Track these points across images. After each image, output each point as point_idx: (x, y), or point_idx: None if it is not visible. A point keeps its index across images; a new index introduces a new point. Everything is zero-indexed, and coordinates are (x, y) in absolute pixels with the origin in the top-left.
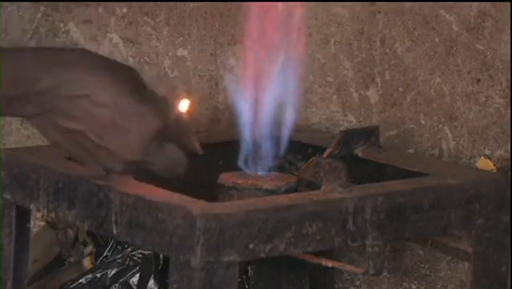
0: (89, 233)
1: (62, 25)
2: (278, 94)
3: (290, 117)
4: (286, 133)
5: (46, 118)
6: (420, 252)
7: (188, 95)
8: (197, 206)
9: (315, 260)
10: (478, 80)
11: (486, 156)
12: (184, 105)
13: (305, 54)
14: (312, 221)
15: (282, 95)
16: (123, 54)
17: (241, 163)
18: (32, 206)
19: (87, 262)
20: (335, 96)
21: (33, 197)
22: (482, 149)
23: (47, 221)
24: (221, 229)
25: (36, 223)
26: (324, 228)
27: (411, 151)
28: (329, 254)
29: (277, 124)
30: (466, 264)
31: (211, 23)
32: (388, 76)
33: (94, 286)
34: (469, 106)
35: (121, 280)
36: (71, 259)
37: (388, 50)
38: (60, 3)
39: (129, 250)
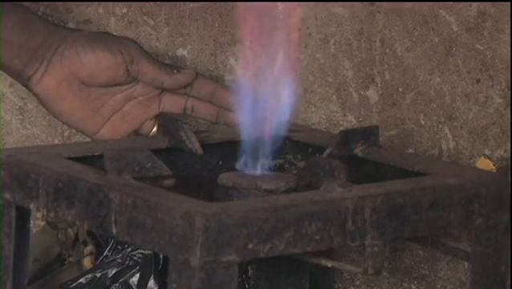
0: (89, 233)
1: (62, 25)
2: (277, 94)
3: (289, 117)
4: (285, 133)
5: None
6: (420, 252)
7: None
8: (197, 206)
9: (315, 260)
10: (478, 80)
11: (486, 156)
12: None
13: (304, 54)
14: (311, 221)
15: (282, 95)
16: None
17: (240, 163)
18: (32, 206)
19: (87, 262)
20: (334, 96)
21: (32, 197)
22: (482, 149)
23: (47, 221)
24: (221, 229)
25: (36, 223)
26: (323, 228)
27: (411, 151)
28: (328, 254)
29: (276, 123)
30: (466, 264)
31: (211, 23)
32: (387, 76)
33: (94, 286)
34: (468, 106)
35: (121, 280)
36: (71, 259)
37: (387, 50)
38: (60, 3)
39: (129, 249)
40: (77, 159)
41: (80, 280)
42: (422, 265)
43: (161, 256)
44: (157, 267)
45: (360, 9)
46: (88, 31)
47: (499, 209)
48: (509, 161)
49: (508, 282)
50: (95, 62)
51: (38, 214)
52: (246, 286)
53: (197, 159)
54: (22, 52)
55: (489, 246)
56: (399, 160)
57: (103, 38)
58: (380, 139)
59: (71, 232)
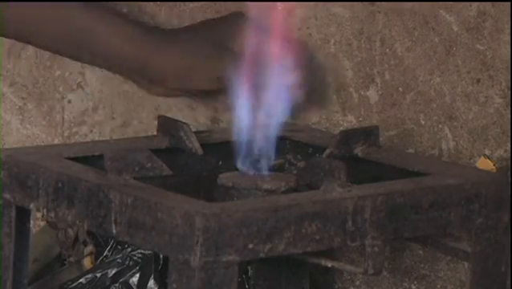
0: (89, 233)
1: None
2: (277, 94)
3: (288, 117)
4: (284, 133)
5: None
6: (420, 252)
7: None
8: (197, 206)
9: (315, 260)
10: (478, 80)
11: (486, 156)
12: None
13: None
14: (311, 221)
15: (281, 95)
16: None
17: (240, 163)
18: (32, 206)
19: (87, 262)
20: (334, 96)
21: (32, 197)
22: (482, 149)
23: (47, 221)
24: (221, 229)
25: (36, 223)
26: (324, 228)
27: (411, 151)
28: (329, 254)
29: (276, 123)
30: (466, 264)
31: None
32: (387, 76)
33: (94, 286)
34: (468, 106)
35: (121, 280)
36: (71, 259)
37: (387, 50)
38: None
39: (129, 250)
40: (77, 159)
41: (80, 280)
42: (422, 265)
43: (161, 256)
44: (157, 267)
45: (360, 9)
46: (181, 47)
47: (499, 209)
48: (510, 161)
49: (508, 282)
50: (181, 93)
51: (38, 214)
52: (246, 286)
53: (197, 159)
54: (112, 61)
55: (489, 246)
56: (399, 160)
57: (196, 67)
58: (380, 139)
59: (71, 232)
